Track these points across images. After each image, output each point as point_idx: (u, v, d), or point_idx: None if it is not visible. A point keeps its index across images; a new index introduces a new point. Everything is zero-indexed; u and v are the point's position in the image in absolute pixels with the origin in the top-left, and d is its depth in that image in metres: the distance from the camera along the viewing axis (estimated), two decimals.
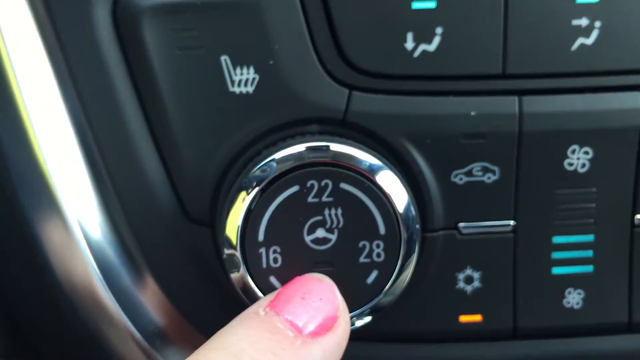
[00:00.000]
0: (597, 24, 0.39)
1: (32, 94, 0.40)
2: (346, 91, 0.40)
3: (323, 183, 0.37)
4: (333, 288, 0.36)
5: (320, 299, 0.35)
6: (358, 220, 0.38)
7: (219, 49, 0.39)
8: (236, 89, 0.40)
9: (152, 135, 0.41)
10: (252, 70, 0.39)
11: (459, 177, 0.41)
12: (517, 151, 0.40)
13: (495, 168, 0.41)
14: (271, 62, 0.39)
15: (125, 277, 0.42)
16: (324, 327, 0.35)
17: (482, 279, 0.42)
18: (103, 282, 0.42)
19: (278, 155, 0.37)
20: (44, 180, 0.41)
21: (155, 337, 0.43)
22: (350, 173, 0.37)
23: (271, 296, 0.36)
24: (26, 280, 0.44)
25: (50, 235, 0.41)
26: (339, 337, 0.35)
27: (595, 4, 0.39)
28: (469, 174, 0.41)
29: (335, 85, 0.40)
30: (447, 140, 0.40)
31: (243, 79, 0.39)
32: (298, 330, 0.34)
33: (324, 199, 0.37)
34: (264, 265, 0.38)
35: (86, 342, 0.43)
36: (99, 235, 0.42)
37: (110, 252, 0.42)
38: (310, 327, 0.34)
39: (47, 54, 0.40)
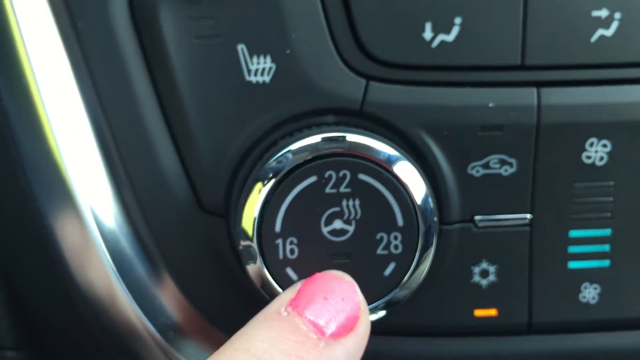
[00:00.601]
0: (617, 15, 0.39)
1: (47, 84, 0.40)
2: (363, 81, 0.39)
3: (341, 174, 0.37)
4: (354, 287, 0.36)
5: (342, 299, 0.35)
6: (376, 212, 0.37)
7: (235, 37, 0.39)
8: (253, 78, 0.39)
9: (168, 124, 0.40)
10: (268, 59, 0.39)
11: (476, 170, 0.41)
12: (535, 144, 0.40)
13: (513, 161, 0.40)
14: (288, 52, 0.39)
15: (139, 268, 0.42)
16: (346, 328, 0.34)
17: (498, 273, 0.42)
18: (117, 273, 0.41)
19: (294, 146, 0.37)
20: (57, 170, 0.41)
21: (169, 330, 0.43)
22: (369, 164, 0.37)
23: (291, 293, 0.35)
24: (39, 271, 0.43)
25: (64, 225, 0.41)
26: (360, 337, 0.35)
27: None
28: (486, 166, 0.40)
29: (353, 75, 0.39)
30: (465, 132, 0.40)
31: (260, 68, 0.39)
32: (321, 332, 0.33)
33: (342, 189, 0.37)
34: (281, 256, 0.37)
35: (98, 334, 0.43)
36: (113, 225, 0.41)
37: (124, 243, 0.41)
38: (333, 328, 0.34)
39: (63, 44, 0.39)
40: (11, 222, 0.43)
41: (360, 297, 0.36)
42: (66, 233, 0.41)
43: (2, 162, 0.41)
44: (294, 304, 0.34)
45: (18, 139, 0.40)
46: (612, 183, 0.41)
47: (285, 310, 0.34)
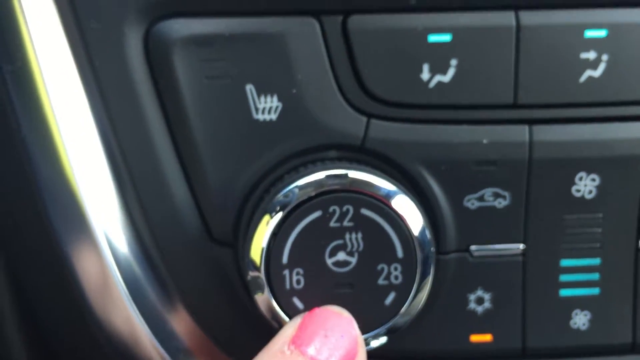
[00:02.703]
0: (604, 57, 0.41)
1: (65, 117, 0.42)
2: (364, 119, 0.42)
3: (344, 208, 0.39)
4: (352, 323, 0.38)
5: (342, 336, 0.37)
6: (377, 244, 0.39)
7: (244, 78, 0.41)
8: (260, 116, 0.41)
9: (180, 158, 0.43)
10: (275, 98, 0.41)
11: (471, 202, 0.43)
12: (527, 178, 0.42)
13: (506, 194, 0.43)
14: (294, 91, 0.41)
15: (151, 294, 0.44)
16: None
17: (493, 300, 0.44)
18: (130, 298, 0.43)
19: (301, 182, 0.39)
20: (74, 198, 0.43)
21: (179, 353, 0.45)
22: (370, 199, 0.39)
23: (292, 330, 0.37)
24: (53, 293, 0.45)
25: (80, 251, 0.43)
26: None
27: (603, 38, 0.41)
28: (480, 199, 0.43)
29: (355, 113, 0.42)
30: (461, 167, 0.42)
31: (267, 107, 0.41)
32: None
33: (345, 223, 0.39)
34: (288, 286, 0.39)
35: (111, 356, 0.45)
36: (126, 252, 0.43)
37: (137, 269, 0.44)
38: None
39: (81, 79, 0.41)
40: (28, 247, 0.45)
41: (358, 332, 0.38)
42: (82, 259, 0.43)
43: (21, 190, 0.43)
44: (296, 342, 0.36)
45: (36, 169, 0.42)
46: (600, 215, 0.43)
47: (289, 348, 0.36)
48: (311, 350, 0.36)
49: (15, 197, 0.43)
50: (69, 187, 0.43)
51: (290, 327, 0.38)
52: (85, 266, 0.44)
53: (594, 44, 0.41)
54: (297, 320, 0.38)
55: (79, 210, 0.43)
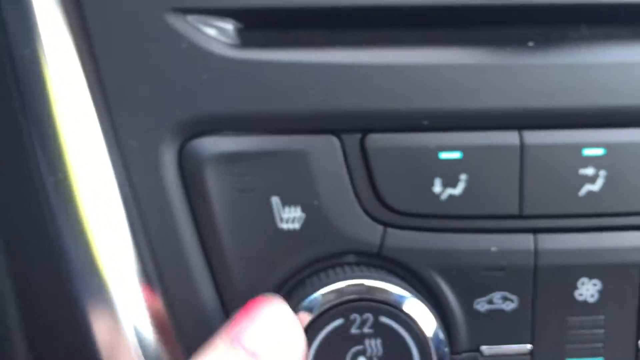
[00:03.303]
0: (602, 172, 0.45)
1: (102, 225, 0.45)
2: (381, 228, 0.45)
3: (364, 316, 0.42)
4: (285, 308, 0.41)
5: (274, 321, 0.40)
6: (395, 349, 0.42)
7: (270, 190, 0.44)
8: (284, 226, 0.45)
9: (208, 262, 0.45)
10: (299, 209, 0.45)
11: (480, 305, 0.46)
12: (533, 283, 0.45)
13: (514, 297, 0.46)
14: (316, 203, 0.44)
15: None
16: (282, 347, 0.39)
17: None
18: None
19: (324, 290, 0.42)
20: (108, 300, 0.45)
21: None
22: (388, 307, 0.42)
23: (229, 324, 0.40)
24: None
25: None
26: (297, 352, 0.40)
27: (600, 156, 0.44)
28: (490, 302, 0.46)
29: (372, 222, 0.45)
30: (471, 272, 0.45)
31: (291, 217, 0.45)
32: (256, 355, 0.38)
33: (365, 330, 0.42)
34: None
35: None
36: (152, 347, 0.46)
37: None
38: (267, 349, 0.39)
39: (118, 190, 0.45)
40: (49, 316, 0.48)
41: (291, 316, 0.40)
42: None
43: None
44: (230, 333, 0.39)
45: (74, 276, 0.45)
46: (602, 317, 0.46)
47: (222, 341, 0.39)
48: (245, 340, 0.38)
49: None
50: (103, 289, 0.45)
51: (228, 322, 0.40)
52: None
53: (592, 160, 0.44)
54: (234, 315, 0.41)
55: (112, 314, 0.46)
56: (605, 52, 0.45)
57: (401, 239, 0.45)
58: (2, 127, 0.45)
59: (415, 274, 0.45)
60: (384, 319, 0.42)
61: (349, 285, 0.42)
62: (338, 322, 0.42)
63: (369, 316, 0.42)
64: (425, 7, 0.45)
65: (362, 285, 0.42)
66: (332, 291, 0.42)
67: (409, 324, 0.42)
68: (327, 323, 0.42)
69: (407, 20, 0.46)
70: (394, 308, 0.42)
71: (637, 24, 0.48)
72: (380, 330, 0.42)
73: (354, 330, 0.42)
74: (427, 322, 0.43)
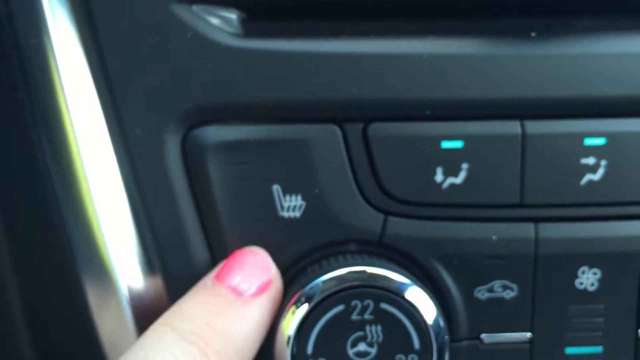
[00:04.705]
0: (603, 162, 0.45)
1: (105, 211, 0.45)
2: (382, 216, 0.45)
3: (365, 303, 0.42)
4: (266, 257, 0.44)
5: (256, 267, 0.43)
6: (395, 336, 0.43)
7: (271, 179, 0.45)
8: (285, 214, 0.45)
9: (211, 250, 0.46)
10: (299, 197, 0.45)
11: (481, 293, 0.46)
12: (534, 271, 0.46)
13: (514, 286, 0.46)
14: (317, 191, 0.45)
15: None
16: (260, 289, 0.43)
17: None
18: None
19: (325, 277, 0.43)
20: (112, 286, 0.46)
21: None
22: (388, 293, 0.42)
23: (217, 268, 0.44)
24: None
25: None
26: (273, 296, 0.43)
27: (601, 146, 0.45)
28: (490, 290, 0.46)
29: (373, 211, 0.45)
30: (472, 261, 0.46)
31: (292, 205, 0.45)
32: (239, 294, 0.42)
33: (366, 316, 0.42)
34: None
35: None
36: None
37: None
38: (248, 290, 0.42)
39: (122, 177, 0.45)
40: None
41: (271, 264, 0.44)
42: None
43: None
44: (216, 276, 0.43)
45: (77, 263, 0.46)
46: (602, 306, 0.46)
47: (211, 282, 0.43)
48: (228, 281, 0.42)
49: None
50: (108, 276, 0.46)
51: (216, 268, 0.44)
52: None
53: (593, 150, 0.45)
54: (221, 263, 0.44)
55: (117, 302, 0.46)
56: (607, 43, 0.46)
57: (402, 227, 0.45)
58: (8, 117, 0.45)
59: (416, 262, 0.45)
60: (385, 306, 0.42)
61: (350, 272, 0.43)
62: (339, 308, 0.42)
63: (369, 303, 0.42)
64: None
65: (363, 272, 0.43)
66: (333, 278, 0.43)
67: (410, 311, 0.42)
68: (328, 309, 0.42)
69: (410, 10, 0.47)
70: (395, 295, 0.42)
71: (638, 15, 0.48)
72: (381, 317, 0.42)
73: (354, 317, 0.42)
74: (428, 309, 0.43)
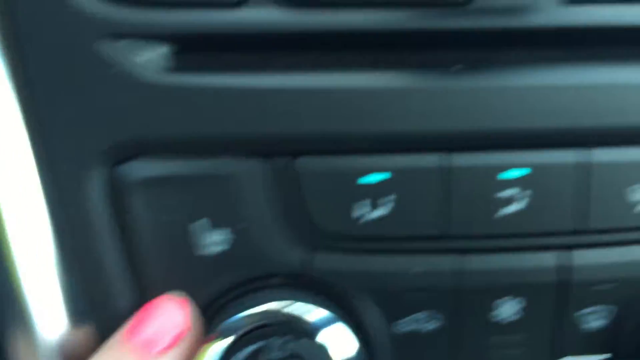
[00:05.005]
0: (521, 195, 0.46)
1: (27, 252, 0.45)
2: (309, 250, 0.46)
3: (282, 340, 0.43)
4: (182, 303, 0.44)
5: (169, 318, 0.43)
6: None
7: (197, 214, 0.45)
8: (211, 249, 0.46)
9: (136, 288, 0.46)
10: (226, 232, 0.45)
11: (403, 326, 0.47)
12: (456, 303, 0.47)
13: (438, 317, 0.47)
14: (243, 226, 0.45)
15: None
16: (174, 339, 0.43)
17: None
18: None
19: (243, 314, 0.44)
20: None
21: None
22: (308, 328, 0.43)
23: (128, 324, 0.44)
24: None
25: None
26: (189, 343, 0.44)
27: (515, 179, 0.45)
28: (413, 323, 0.47)
29: (300, 244, 0.46)
30: (395, 294, 0.46)
31: (219, 239, 0.46)
32: (150, 349, 0.42)
33: (286, 352, 0.43)
34: None
35: None
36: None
37: None
38: (161, 344, 0.43)
39: (49, 219, 0.45)
40: None
41: (187, 310, 0.44)
42: None
43: None
44: (127, 331, 0.43)
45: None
46: (521, 336, 0.48)
47: (121, 338, 0.43)
48: (141, 336, 0.42)
49: None
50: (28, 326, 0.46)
51: (129, 322, 0.44)
52: None
53: (507, 184, 0.45)
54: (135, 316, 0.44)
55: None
56: (532, 75, 0.46)
57: (328, 261, 0.46)
58: None
59: (340, 296, 0.46)
60: (304, 341, 0.43)
61: (267, 311, 0.43)
62: (255, 345, 0.43)
63: (286, 340, 0.43)
64: (354, 32, 0.46)
65: (284, 308, 0.43)
66: (250, 315, 0.43)
67: (325, 350, 0.43)
68: (244, 346, 0.43)
69: (337, 43, 0.47)
70: (310, 333, 0.43)
71: (563, 47, 0.49)
72: (302, 351, 0.43)
73: (272, 355, 0.43)
74: (348, 344, 0.44)
